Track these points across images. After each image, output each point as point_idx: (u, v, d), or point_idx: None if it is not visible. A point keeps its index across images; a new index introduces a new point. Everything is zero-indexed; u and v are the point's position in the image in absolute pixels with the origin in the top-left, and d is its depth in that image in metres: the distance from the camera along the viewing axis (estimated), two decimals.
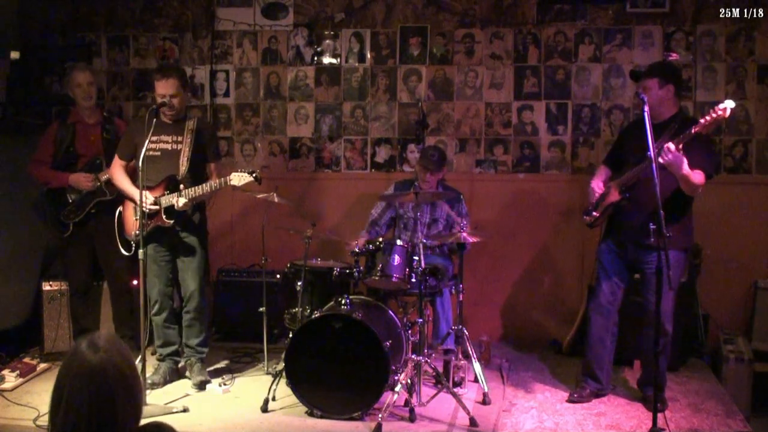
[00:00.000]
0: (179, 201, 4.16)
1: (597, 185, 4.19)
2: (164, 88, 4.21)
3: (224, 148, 5.75)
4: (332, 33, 5.72)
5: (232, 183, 4.10)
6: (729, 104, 3.53)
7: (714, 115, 3.55)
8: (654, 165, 3.47)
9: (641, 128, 4.00)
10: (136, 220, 4.09)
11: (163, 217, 4.23)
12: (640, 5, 5.36)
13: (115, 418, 1.78)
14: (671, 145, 3.63)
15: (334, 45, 5.73)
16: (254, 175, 4.08)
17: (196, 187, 4.18)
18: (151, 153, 4.24)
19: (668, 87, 3.93)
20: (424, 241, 4.22)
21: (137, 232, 4.06)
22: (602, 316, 4.17)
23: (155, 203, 4.21)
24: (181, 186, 4.21)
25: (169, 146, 4.30)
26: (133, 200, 4.25)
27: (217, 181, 4.19)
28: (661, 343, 3.85)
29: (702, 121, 3.62)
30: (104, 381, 1.78)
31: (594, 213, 4.16)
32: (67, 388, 1.78)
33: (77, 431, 1.75)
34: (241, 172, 4.08)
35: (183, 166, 4.26)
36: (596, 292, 4.23)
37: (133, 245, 4.28)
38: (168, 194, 4.22)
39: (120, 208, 4.44)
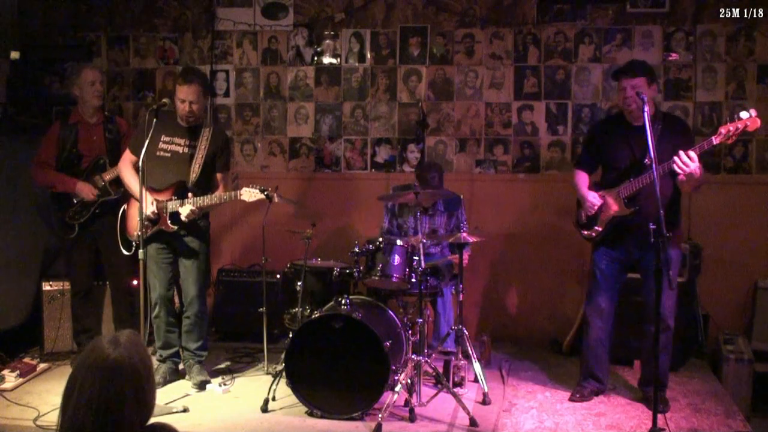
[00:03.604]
0: (185, 209, 4.15)
1: (594, 197, 4.07)
2: (186, 94, 4.18)
3: None
4: (332, 33, 5.72)
5: (242, 198, 4.09)
6: (751, 113, 3.54)
7: (739, 126, 3.55)
8: (654, 167, 3.48)
9: (623, 129, 4.02)
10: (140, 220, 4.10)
11: (168, 222, 4.22)
12: (640, 5, 5.36)
13: (122, 416, 1.77)
14: (693, 154, 3.60)
15: (334, 45, 5.72)
16: (265, 192, 4.06)
17: (204, 197, 4.16)
18: (161, 154, 4.23)
19: (654, 86, 3.93)
20: (424, 241, 4.22)
21: (138, 232, 4.05)
22: (602, 319, 4.16)
23: (157, 212, 4.19)
24: (190, 194, 4.20)
25: (180, 149, 4.28)
26: (138, 200, 4.23)
27: (227, 194, 4.18)
28: (664, 339, 3.88)
29: (723, 131, 3.60)
30: (117, 377, 1.77)
31: (597, 228, 4.10)
32: (80, 379, 1.77)
33: (84, 425, 1.74)
34: (252, 188, 4.07)
35: (194, 173, 4.25)
36: (594, 296, 4.18)
37: (134, 245, 4.27)
38: (175, 200, 4.21)
39: (125, 206, 4.42)
